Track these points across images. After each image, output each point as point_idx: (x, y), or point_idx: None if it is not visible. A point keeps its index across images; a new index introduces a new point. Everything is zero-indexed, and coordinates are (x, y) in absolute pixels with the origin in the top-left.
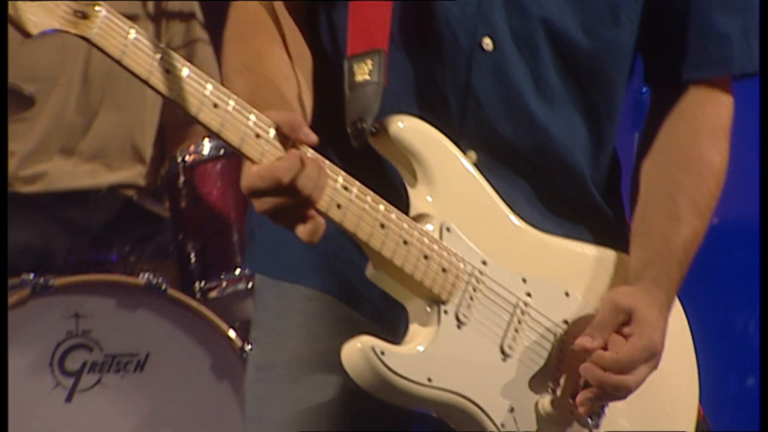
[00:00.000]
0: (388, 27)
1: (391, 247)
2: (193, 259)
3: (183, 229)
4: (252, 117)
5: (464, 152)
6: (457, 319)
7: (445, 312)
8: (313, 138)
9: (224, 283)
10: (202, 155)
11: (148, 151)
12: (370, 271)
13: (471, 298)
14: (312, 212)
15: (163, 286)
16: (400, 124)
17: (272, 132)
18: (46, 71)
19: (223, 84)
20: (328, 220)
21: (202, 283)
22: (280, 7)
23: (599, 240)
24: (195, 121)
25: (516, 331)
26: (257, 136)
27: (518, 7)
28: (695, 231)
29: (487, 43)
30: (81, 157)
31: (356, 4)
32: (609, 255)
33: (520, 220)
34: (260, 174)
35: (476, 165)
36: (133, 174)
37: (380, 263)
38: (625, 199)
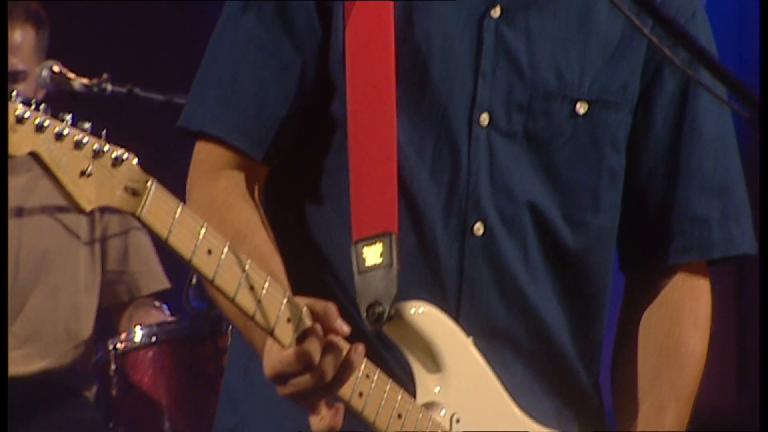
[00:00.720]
0: (395, 210)
1: None
2: None
3: (113, 417)
4: (284, 301)
5: None
6: None
7: None
8: (346, 329)
9: None
10: (134, 342)
11: (83, 335)
12: None
13: None
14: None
15: None
16: (412, 311)
17: (303, 317)
18: None
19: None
20: (349, 408)
21: None
22: (254, 190)
23: (584, 427)
24: (231, 303)
25: None
26: (288, 320)
27: (505, 189)
28: (679, 419)
29: (478, 227)
30: (14, 340)
31: (359, 189)
32: None
33: (520, 410)
34: (288, 359)
35: None
36: (66, 359)
37: None
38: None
